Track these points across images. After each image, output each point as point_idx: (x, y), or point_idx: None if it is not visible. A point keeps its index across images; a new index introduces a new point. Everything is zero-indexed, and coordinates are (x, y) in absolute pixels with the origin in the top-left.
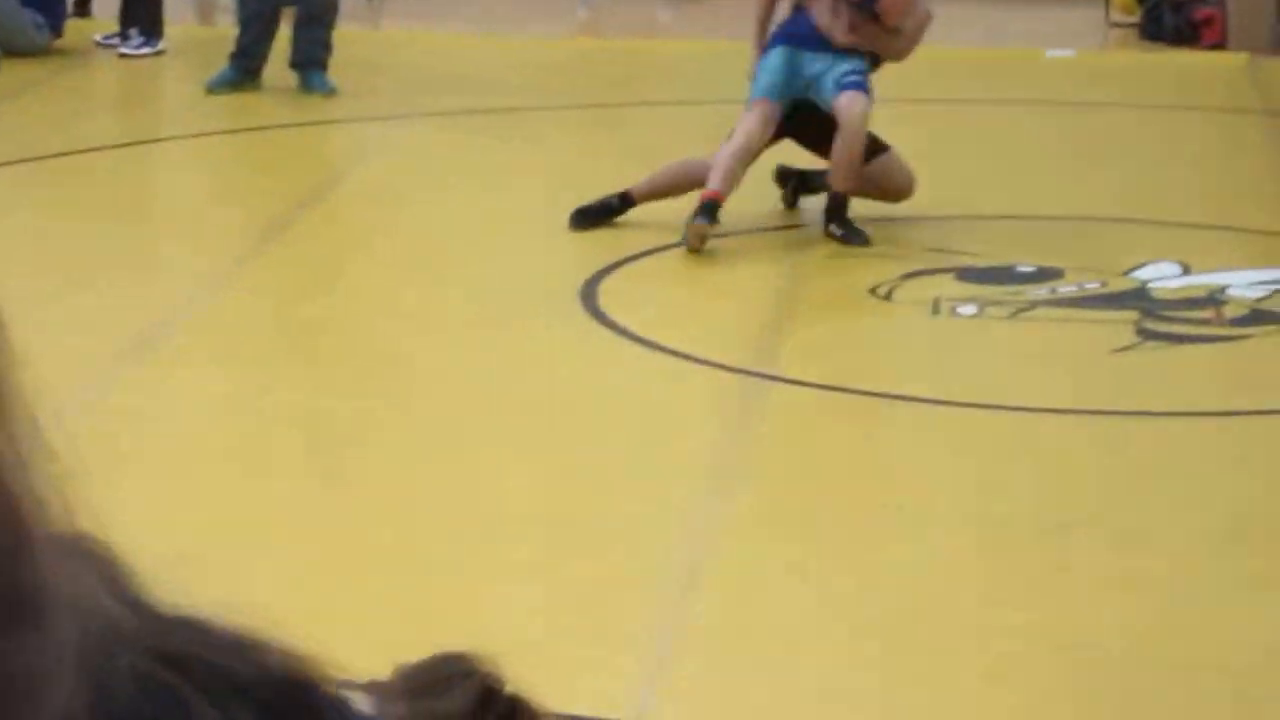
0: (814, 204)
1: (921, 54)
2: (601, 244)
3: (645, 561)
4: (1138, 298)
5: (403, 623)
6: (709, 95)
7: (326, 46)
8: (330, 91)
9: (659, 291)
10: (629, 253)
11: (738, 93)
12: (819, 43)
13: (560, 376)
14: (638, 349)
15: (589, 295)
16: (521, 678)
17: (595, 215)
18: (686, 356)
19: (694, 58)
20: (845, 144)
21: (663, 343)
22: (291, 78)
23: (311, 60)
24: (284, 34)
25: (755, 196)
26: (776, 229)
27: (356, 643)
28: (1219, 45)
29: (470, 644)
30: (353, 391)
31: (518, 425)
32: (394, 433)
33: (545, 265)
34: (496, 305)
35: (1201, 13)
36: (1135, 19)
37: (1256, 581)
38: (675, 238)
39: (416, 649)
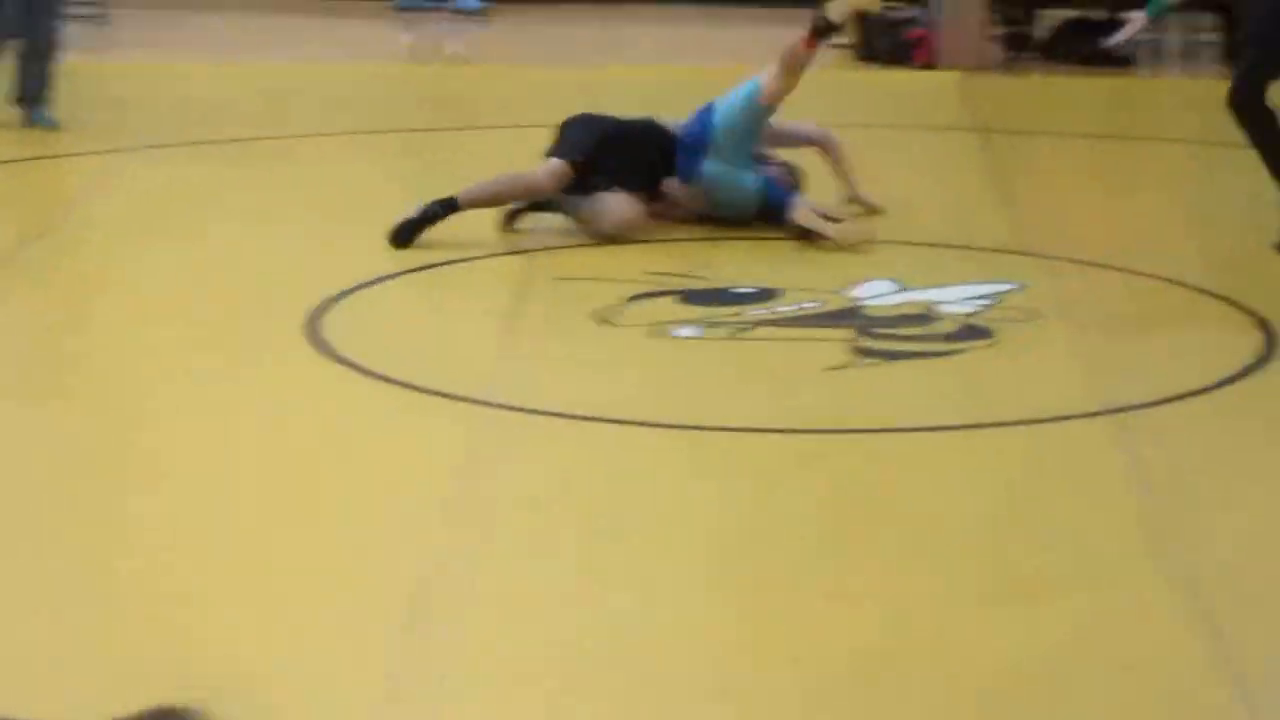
0: (536, 226)
1: (640, 74)
2: (326, 274)
3: (373, 595)
4: (853, 316)
5: (113, 663)
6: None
7: (49, 81)
8: (53, 126)
9: (383, 321)
10: (354, 282)
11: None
12: None
13: (284, 411)
14: (362, 380)
15: (313, 328)
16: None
17: (417, 227)
18: (411, 387)
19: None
20: None
21: (387, 374)
22: (16, 113)
23: (36, 95)
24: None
25: (478, 221)
26: (502, 254)
27: (63, 687)
28: (930, 65)
29: (187, 684)
30: (76, 427)
31: (242, 461)
32: (112, 468)
33: (270, 298)
34: (219, 339)
35: (913, 33)
36: (850, 40)
37: (984, 598)
38: (398, 266)
39: (129, 691)
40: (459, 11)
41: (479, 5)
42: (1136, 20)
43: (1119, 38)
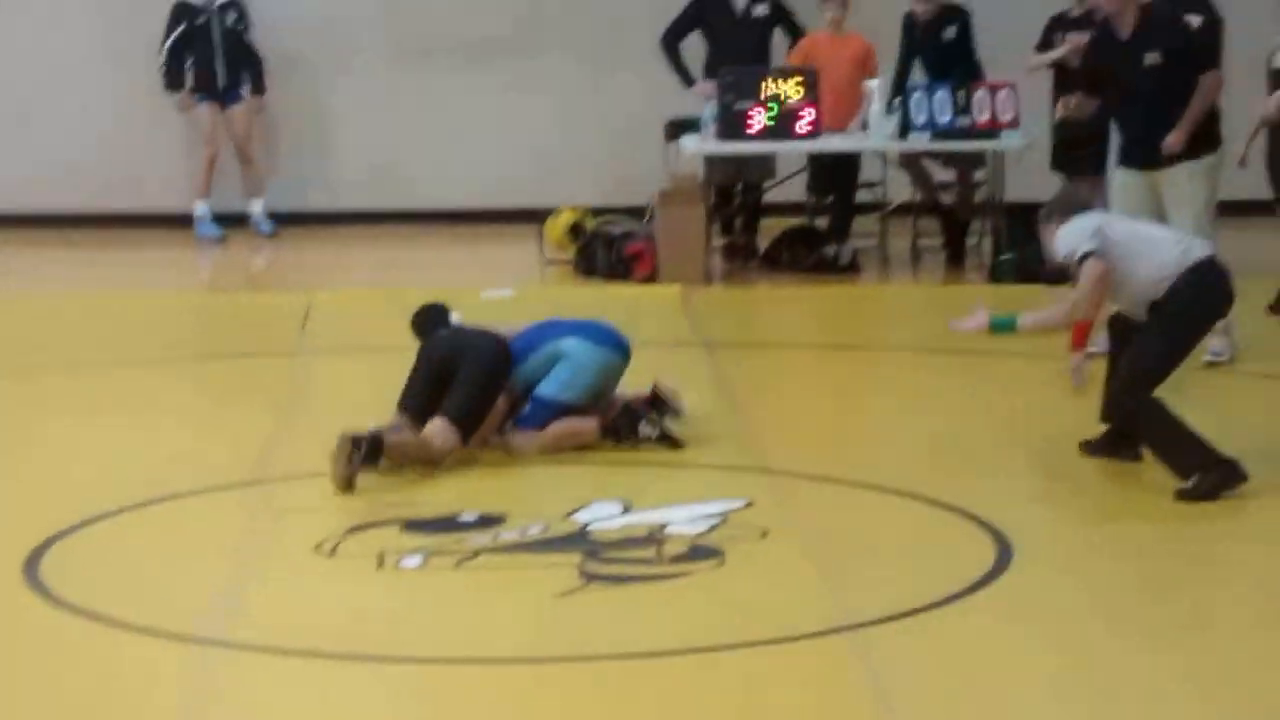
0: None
1: (355, 301)
2: (46, 513)
3: None
4: (580, 540)
5: None
6: None
7: None
8: None
9: (102, 559)
10: (73, 522)
11: None
12: None
13: (8, 661)
14: (83, 623)
15: (32, 568)
16: None
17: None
18: (134, 627)
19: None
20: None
21: (109, 614)
22: None
23: None
24: None
25: (203, 453)
26: (225, 488)
27: None
28: (650, 279)
29: None
30: None
31: None
32: None
33: None
34: None
35: (632, 248)
36: (569, 256)
37: None
38: (120, 503)
39: None
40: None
41: (271, 228)
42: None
43: (964, 326)
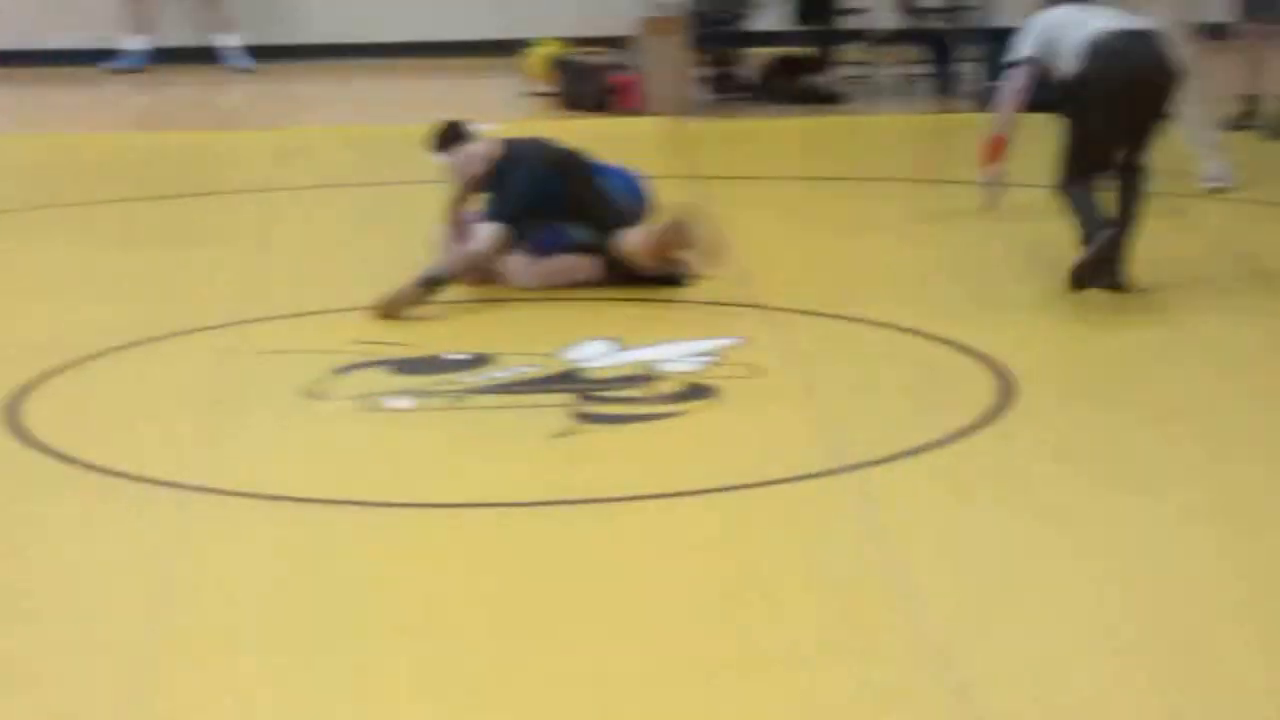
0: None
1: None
2: (20, 356)
3: (82, 692)
4: (572, 380)
5: None
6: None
7: None
8: None
9: (83, 406)
10: (52, 365)
11: None
12: None
13: None
14: (65, 468)
15: (12, 413)
16: None
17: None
18: (109, 472)
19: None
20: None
21: (84, 458)
22: None
23: None
24: None
25: (185, 299)
26: (208, 329)
27: None
28: (635, 111)
29: None
30: None
31: None
32: None
33: None
34: None
35: (615, 79)
36: (555, 88)
37: (711, 673)
38: (96, 348)
39: None
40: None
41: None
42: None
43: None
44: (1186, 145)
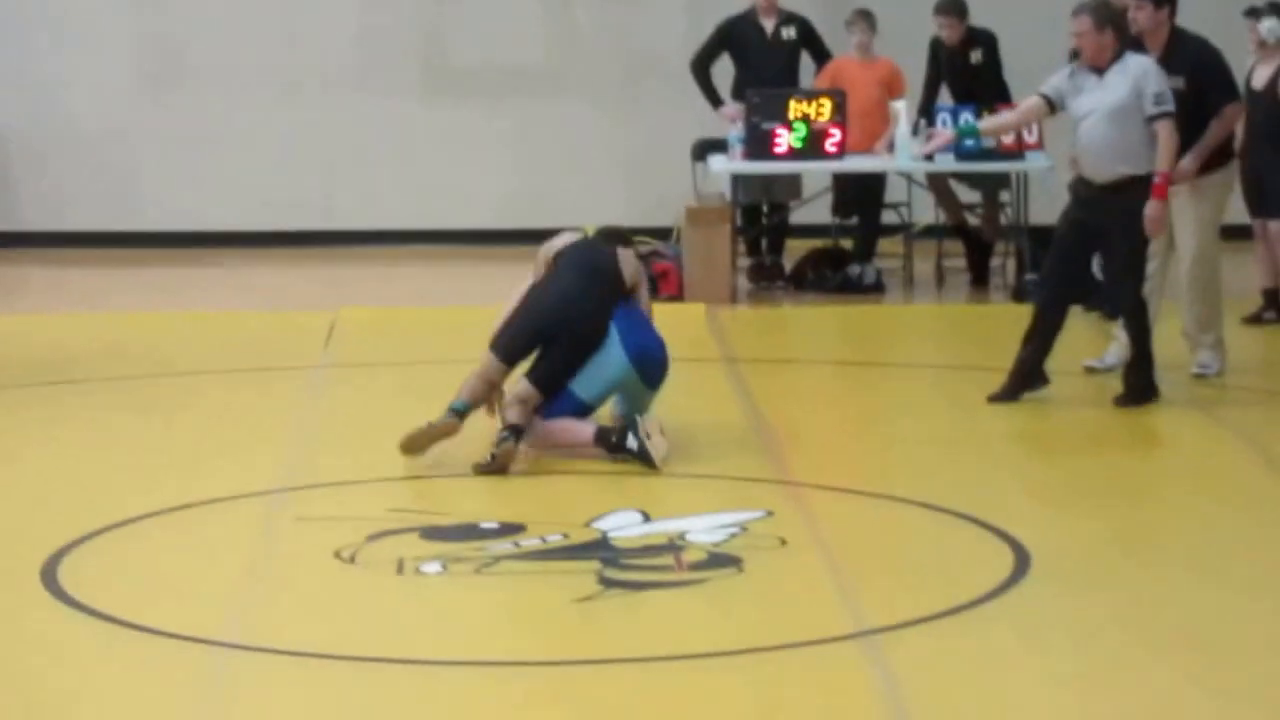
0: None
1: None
2: (64, 520)
3: None
4: (599, 548)
5: None
6: None
7: None
8: None
9: (122, 566)
10: (93, 528)
11: None
12: None
13: (24, 665)
14: (101, 626)
15: (50, 575)
16: None
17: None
18: (152, 631)
19: None
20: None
21: (128, 618)
22: None
23: None
24: None
25: (219, 463)
26: (242, 497)
27: None
28: (676, 297)
29: None
30: None
31: None
32: None
33: (2, 545)
34: None
35: (658, 266)
36: None
37: None
38: (139, 510)
39: None
40: None
41: None
42: (940, 135)
43: (930, 147)
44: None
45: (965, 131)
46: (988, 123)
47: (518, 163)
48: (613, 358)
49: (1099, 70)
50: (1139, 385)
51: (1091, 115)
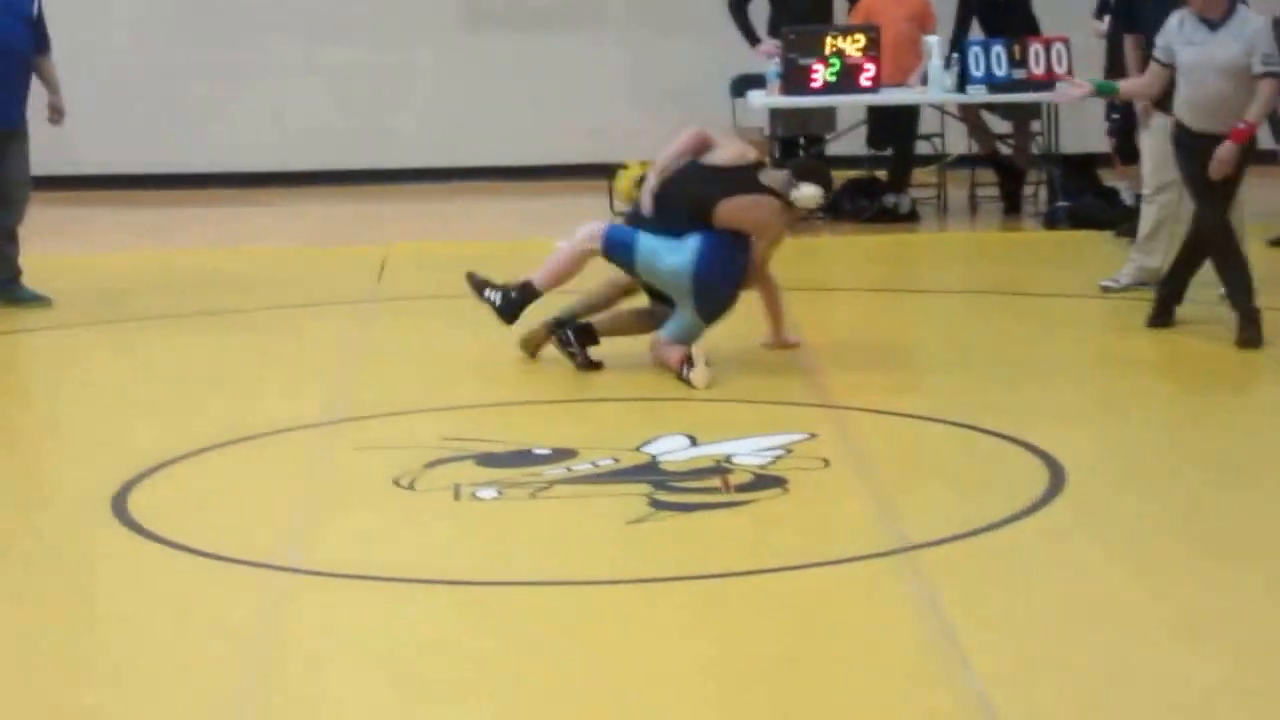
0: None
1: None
2: (131, 451)
3: None
4: (649, 471)
5: None
6: None
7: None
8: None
9: (188, 495)
10: (160, 459)
11: None
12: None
13: (94, 588)
14: (172, 554)
15: (120, 503)
16: None
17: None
18: (216, 557)
19: None
20: None
21: (193, 544)
22: None
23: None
24: None
25: (281, 396)
26: (301, 428)
27: None
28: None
29: None
30: None
31: (47, 632)
32: None
33: (75, 475)
34: (27, 517)
35: None
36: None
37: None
38: (200, 443)
39: None
40: None
41: None
42: (1078, 87)
43: (1069, 95)
44: None
45: (1104, 89)
46: (1127, 84)
47: (564, 97)
48: (684, 261)
49: (1209, 22)
50: (1246, 314)
51: (1200, 69)
